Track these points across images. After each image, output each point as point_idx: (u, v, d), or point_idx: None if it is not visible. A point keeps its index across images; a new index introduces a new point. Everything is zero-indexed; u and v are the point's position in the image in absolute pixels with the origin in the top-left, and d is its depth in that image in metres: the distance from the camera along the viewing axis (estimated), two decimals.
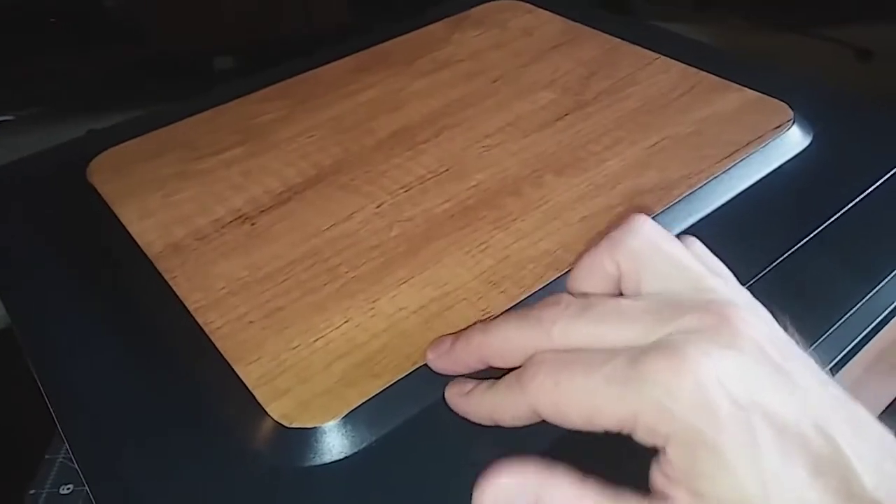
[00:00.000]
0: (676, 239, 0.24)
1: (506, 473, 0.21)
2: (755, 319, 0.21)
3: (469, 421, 0.25)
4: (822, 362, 0.30)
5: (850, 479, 0.18)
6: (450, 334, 0.27)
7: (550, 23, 0.50)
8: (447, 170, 0.37)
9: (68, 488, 0.45)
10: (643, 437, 0.20)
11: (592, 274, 0.24)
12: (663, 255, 0.23)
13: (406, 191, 0.36)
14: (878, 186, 0.35)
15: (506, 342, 0.24)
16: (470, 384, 0.26)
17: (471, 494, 0.24)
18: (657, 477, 0.20)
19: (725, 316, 0.21)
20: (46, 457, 0.46)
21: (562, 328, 0.22)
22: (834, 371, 0.29)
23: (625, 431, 0.20)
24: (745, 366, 0.20)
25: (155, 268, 0.33)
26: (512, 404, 0.23)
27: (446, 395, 0.26)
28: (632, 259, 0.23)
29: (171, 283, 0.32)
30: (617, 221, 0.32)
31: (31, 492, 0.44)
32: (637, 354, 0.20)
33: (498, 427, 0.24)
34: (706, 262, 0.24)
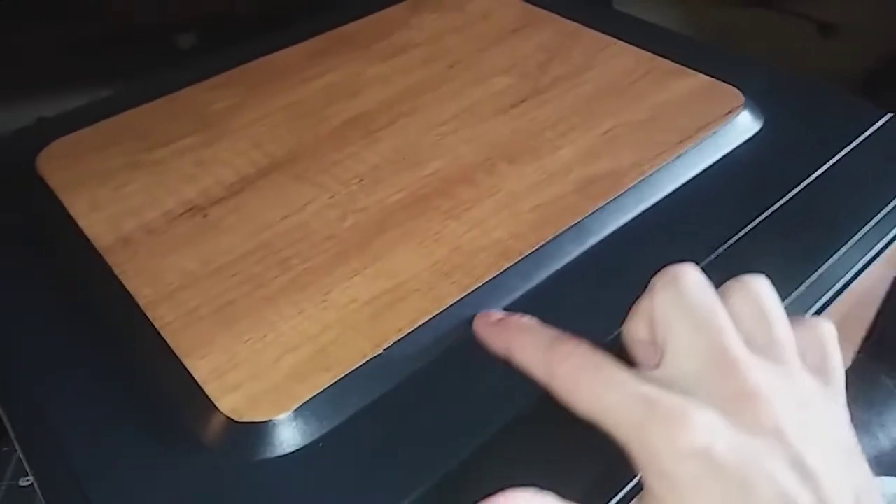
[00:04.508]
0: (713, 293, 0.23)
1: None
2: (780, 406, 0.20)
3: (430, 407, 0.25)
4: None
5: None
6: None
7: (508, 6, 0.49)
8: (402, 158, 0.37)
9: (28, 480, 0.45)
10: (633, 461, 0.21)
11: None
12: (689, 322, 0.22)
13: (360, 181, 0.36)
14: (824, 171, 0.36)
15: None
16: (497, 315, 0.28)
17: (418, 486, 0.24)
18: None
19: (750, 399, 0.20)
20: (4, 449, 0.46)
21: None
22: None
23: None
24: (753, 450, 0.19)
25: (104, 261, 0.32)
26: (530, 361, 0.24)
27: (474, 323, 0.28)
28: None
29: (120, 276, 0.31)
30: (570, 211, 0.32)
31: None
32: (658, 396, 0.20)
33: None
34: (749, 320, 0.23)
